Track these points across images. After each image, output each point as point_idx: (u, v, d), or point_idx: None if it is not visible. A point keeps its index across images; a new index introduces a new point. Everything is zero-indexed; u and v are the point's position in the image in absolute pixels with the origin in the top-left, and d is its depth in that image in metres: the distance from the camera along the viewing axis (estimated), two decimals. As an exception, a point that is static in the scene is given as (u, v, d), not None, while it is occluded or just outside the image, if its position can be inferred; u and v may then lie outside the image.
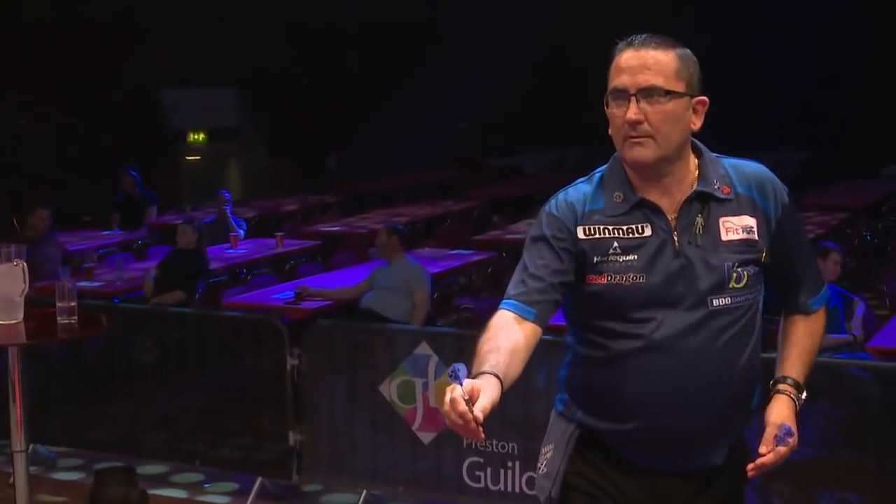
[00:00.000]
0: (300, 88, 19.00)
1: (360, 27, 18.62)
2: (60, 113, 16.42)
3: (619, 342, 2.69)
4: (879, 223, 14.30)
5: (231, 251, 11.02)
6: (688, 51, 2.74)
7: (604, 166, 2.81)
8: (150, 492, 6.10)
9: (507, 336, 2.61)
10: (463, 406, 2.34)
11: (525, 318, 2.66)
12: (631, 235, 2.68)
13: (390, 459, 6.08)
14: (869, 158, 17.43)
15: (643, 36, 2.71)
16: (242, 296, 8.88)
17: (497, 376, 2.48)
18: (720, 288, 2.68)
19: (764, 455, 2.69)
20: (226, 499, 6.54)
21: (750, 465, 2.71)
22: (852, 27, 18.45)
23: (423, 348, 5.91)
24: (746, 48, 19.04)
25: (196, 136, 19.75)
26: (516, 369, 2.57)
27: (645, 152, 2.66)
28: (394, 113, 19.51)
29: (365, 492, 6.21)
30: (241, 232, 11.93)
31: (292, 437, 6.24)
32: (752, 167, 2.85)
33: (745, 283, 2.71)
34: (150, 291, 9.14)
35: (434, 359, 5.87)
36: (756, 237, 2.73)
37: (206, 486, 6.69)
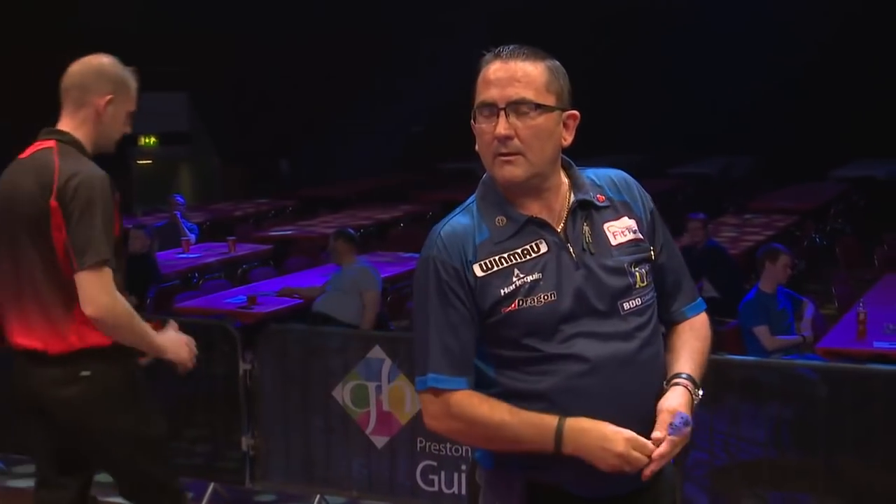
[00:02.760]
0: (252, 93, 18.96)
1: (312, 33, 18.60)
2: (6, 118, 16.24)
3: (547, 368, 2.56)
4: (828, 225, 14.49)
5: (183, 256, 10.97)
6: (557, 62, 2.65)
7: (472, 197, 2.72)
8: (102, 499, 6.05)
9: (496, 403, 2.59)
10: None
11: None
12: (528, 256, 2.59)
13: (344, 464, 6.07)
14: (817, 161, 17.61)
15: (511, 47, 2.62)
16: (194, 300, 8.84)
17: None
18: (628, 290, 2.63)
19: (658, 440, 2.57)
20: None
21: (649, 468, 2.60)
22: (801, 32, 18.65)
23: (377, 352, 5.91)
24: (694, 54, 19.19)
25: (147, 141, 19.63)
26: None
27: (515, 171, 2.59)
28: (346, 118, 19.49)
29: (319, 496, 6.20)
30: (193, 236, 11.88)
31: (245, 443, 6.21)
32: (616, 173, 2.81)
33: (647, 283, 2.68)
34: None
35: (387, 362, 5.87)
36: (642, 236, 2.71)
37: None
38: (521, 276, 2.57)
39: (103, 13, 16.67)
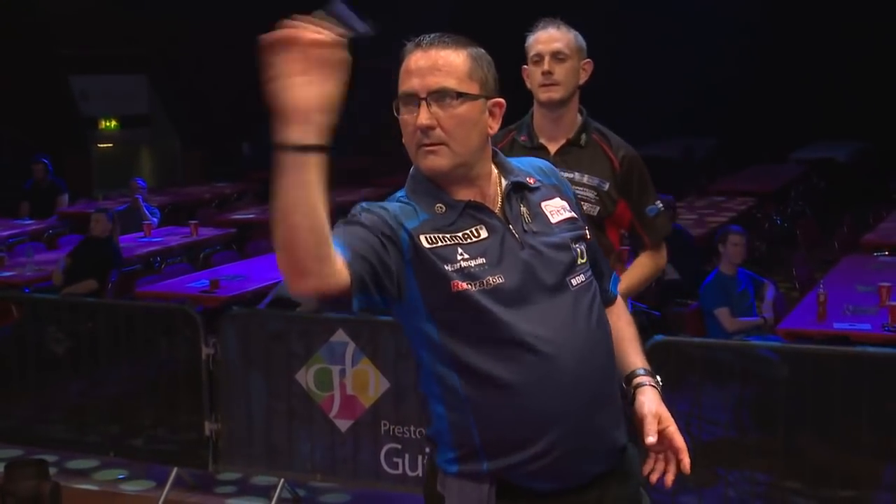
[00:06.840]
0: (212, 75, 18.81)
1: (271, 13, 18.48)
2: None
3: (509, 356, 2.51)
4: (788, 207, 14.57)
5: (144, 240, 10.91)
6: (482, 50, 2.61)
7: (401, 191, 2.66)
8: (64, 484, 6.03)
9: None
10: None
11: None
12: (470, 241, 2.55)
13: (307, 447, 6.07)
14: (777, 143, 17.69)
15: (433, 35, 2.58)
16: (156, 285, 8.80)
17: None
18: (573, 266, 2.62)
19: (652, 444, 2.60)
20: (141, 489, 6.49)
21: (666, 475, 2.66)
22: (759, 11, 18.71)
23: (340, 335, 5.90)
24: (651, 34, 19.21)
25: (107, 124, 19.47)
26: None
27: (439, 161, 2.55)
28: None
29: (282, 480, 6.19)
30: (155, 220, 11.82)
31: (208, 427, 6.20)
32: (539, 161, 2.84)
33: (586, 259, 2.68)
34: (59, 280, 9.02)
35: (351, 346, 5.87)
36: (575, 215, 2.72)
37: (122, 477, 6.63)
38: (466, 257, 2.53)
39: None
